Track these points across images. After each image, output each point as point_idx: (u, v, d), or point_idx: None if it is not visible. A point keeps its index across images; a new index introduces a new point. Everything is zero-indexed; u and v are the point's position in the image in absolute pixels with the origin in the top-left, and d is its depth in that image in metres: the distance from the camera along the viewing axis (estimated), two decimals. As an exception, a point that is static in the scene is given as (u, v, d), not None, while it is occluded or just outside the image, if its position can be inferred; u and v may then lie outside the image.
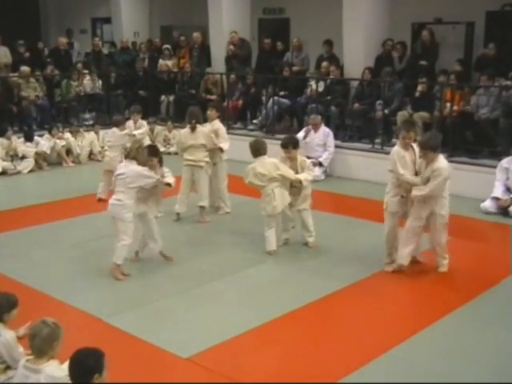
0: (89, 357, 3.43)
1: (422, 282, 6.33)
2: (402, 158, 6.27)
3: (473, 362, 4.81)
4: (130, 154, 6.45)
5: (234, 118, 12.93)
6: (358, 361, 4.77)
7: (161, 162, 6.62)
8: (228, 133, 11.98)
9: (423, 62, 11.07)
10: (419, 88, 10.40)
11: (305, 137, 10.50)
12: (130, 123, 9.95)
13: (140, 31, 16.37)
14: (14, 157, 11.31)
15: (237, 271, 6.60)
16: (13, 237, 7.72)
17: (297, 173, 7.05)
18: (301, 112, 11.90)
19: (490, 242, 7.88)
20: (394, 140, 9.92)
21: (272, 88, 12.28)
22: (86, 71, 14.04)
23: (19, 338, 4.61)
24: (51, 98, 13.33)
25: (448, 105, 9.95)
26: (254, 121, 12.70)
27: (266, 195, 6.89)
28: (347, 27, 11.58)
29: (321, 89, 11.57)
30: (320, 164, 10.58)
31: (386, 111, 10.70)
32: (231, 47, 13.41)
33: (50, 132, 11.89)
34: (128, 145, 9.75)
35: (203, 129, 8.28)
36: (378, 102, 10.80)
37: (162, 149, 12.07)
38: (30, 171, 11.27)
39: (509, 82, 9.83)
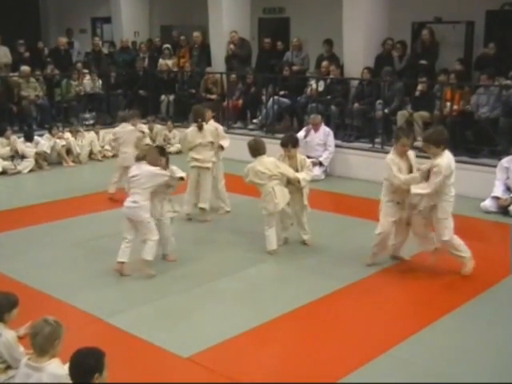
0: (89, 356, 3.44)
1: (422, 282, 6.33)
2: (397, 164, 6.22)
3: (472, 362, 4.81)
4: (139, 155, 6.51)
5: (234, 118, 12.94)
6: (357, 361, 4.77)
7: (168, 162, 6.68)
8: (228, 132, 12.04)
9: (423, 62, 11.08)
10: (419, 87, 10.41)
11: (305, 136, 10.51)
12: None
13: (140, 31, 16.38)
14: (15, 156, 11.30)
15: (237, 271, 6.60)
16: (13, 236, 7.73)
17: (296, 171, 7.06)
18: (301, 111, 11.91)
19: (490, 242, 7.88)
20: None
21: (272, 87, 12.29)
22: (86, 71, 14.04)
23: (20, 338, 4.62)
24: (51, 97, 13.33)
25: (448, 104, 9.95)
26: (254, 120, 12.70)
27: (267, 193, 6.89)
28: (347, 27, 11.58)
29: (321, 88, 11.57)
30: (320, 163, 10.59)
31: (386, 111, 10.70)
32: (231, 47, 13.41)
33: (50, 132, 11.88)
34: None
35: (210, 127, 8.29)
36: (378, 101, 10.80)
37: (162, 148, 12.12)
38: (30, 171, 11.27)
39: (509, 82, 9.82)
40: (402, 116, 10.40)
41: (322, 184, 10.14)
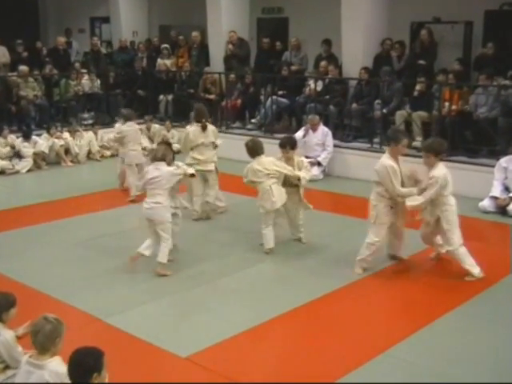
0: (88, 356, 3.44)
1: (420, 282, 6.34)
2: (395, 171, 6.18)
3: (472, 362, 4.80)
4: (157, 156, 6.49)
5: (233, 118, 12.94)
6: (356, 360, 4.77)
7: (174, 158, 6.80)
8: (227, 132, 12.08)
9: (422, 62, 11.08)
10: (418, 87, 10.41)
11: (304, 136, 10.51)
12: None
13: (139, 31, 16.38)
14: (14, 155, 11.29)
15: (236, 271, 6.60)
16: (11, 236, 7.72)
17: None
18: (299, 111, 11.91)
19: (489, 242, 7.88)
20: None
21: (271, 87, 12.29)
22: (85, 71, 14.03)
23: (18, 338, 4.62)
24: (50, 97, 13.32)
25: (447, 104, 9.95)
26: (253, 120, 12.70)
27: (264, 192, 6.90)
28: (346, 26, 11.58)
29: (319, 88, 11.58)
30: (319, 163, 10.59)
31: (385, 111, 10.70)
32: (230, 47, 13.40)
33: (48, 131, 11.88)
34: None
35: (212, 126, 8.33)
36: (377, 101, 10.80)
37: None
38: (29, 171, 11.27)
39: (507, 82, 9.83)
40: (400, 116, 10.41)
41: (321, 184, 10.15)
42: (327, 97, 11.43)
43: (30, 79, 12.91)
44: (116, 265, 6.71)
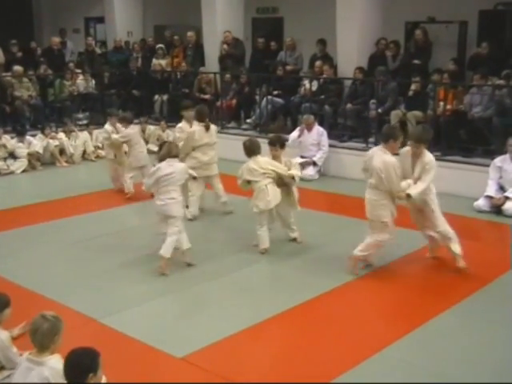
0: (84, 356, 3.44)
1: (416, 281, 6.35)
2: (399, 168, 6.20)
3: (467, 361, 4.81)
4: (171, 152, 6.58)
5: (228, 118, 12.93)
6: (351, 360, 4.77)
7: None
8: (222, 132, 12.06)
9: (417, 61, 11.10)
10: (413, 87, 10.42)
11: (299, 136, 10.51)
12: (108, 127, 9.87)
13: (133, 31, 16.33)
14: (8, 156, 11.27)
15: (231, 271, 6.59)
16: (6, 237, 7.69)
17: None
18: (295, 111, 11.91)
19: (484, 241, 7.90)
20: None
21: (266, 87, 12.29)
22: (79, 71, 14.01)
23: (13, 339, 4.61)
24: (44, 97, 13.31)
25: (441, 104, 9.97)
26: (248, 120, 12.70)
27: (260, 191, 6.91)
28: (341, 26, 11.58)
29: (314, 88, 11.58)
30: (314, 163, 10.59)
31: (380, 110, 10.71)
32: (225, 46, 13.40)
33: (42, 132, 11.85)
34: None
35: (214, 126, 8.43)
36: (372, 101, 10.81)
37: (155, 149, 12.10)
38: (23, 171, 11.24)
39: (502, 81, 9.85)
40: (395, 115, 10.41)
41: (316, 184, 10.15)
42: (322, 97, 11.44)
43: (25, 79, 12.88)
44: (111, 265, 6.71)
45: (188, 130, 8.41)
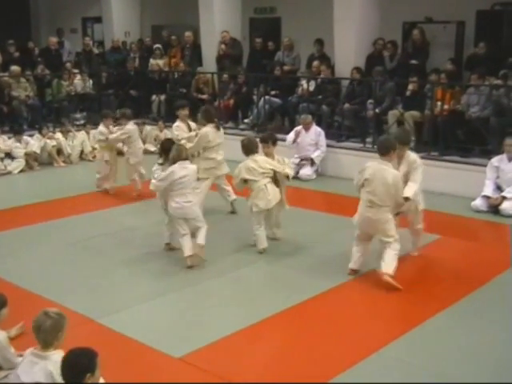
0: (82, 356, 3.44)
1: (414, 281, 6.35)
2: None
3: (465, 360, 4.82)
4: (182, 155, 6.59)
5: (226, 118, 12.92)
6: (349, 360, 4.77)
7: None
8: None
9: (414, 61, 11.11)
10: (410, 87, 10.43)
11: (294, 140, 10.50)
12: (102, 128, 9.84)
13: (131, 31, 16.34)
14: (6, 156, 11.26)
15: (229, 271, 6.59)
16: (4, 237, 7.68)
17: None
18: (292, 111, 11.92)
19: (481, 241, 7.91)
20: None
21: (263, 87, 12.28)
22: (77, 71, 14.00)
23: (11, 339, 4.61)
24: (42, 97, 13.30)
25: (439, 104, 9.98)
26: (246, 120, 12.70)
27: (259, 190, 6.91)
28: (338, 26, 11.59)
29: (312, 88, 11.59)
30: (312, 161, 10.59)
31: (377, 110, 10.72)
32: (222, 46, 13.40)
33: (40, 132, 11.84)
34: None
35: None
36: (369, 101, 10.82)
37: (153, 149, 12.11)
38: (21, 171, 11.23)
39: (499, 81, 9.86)
40: (393, 116, 10.42)
41: (314, 184, 10.16)
42: (320, 97, 11.45)
43: (22, 79, 12.86)
44: (109, 265, 6.71)
45: (185, 129, 8.51)
